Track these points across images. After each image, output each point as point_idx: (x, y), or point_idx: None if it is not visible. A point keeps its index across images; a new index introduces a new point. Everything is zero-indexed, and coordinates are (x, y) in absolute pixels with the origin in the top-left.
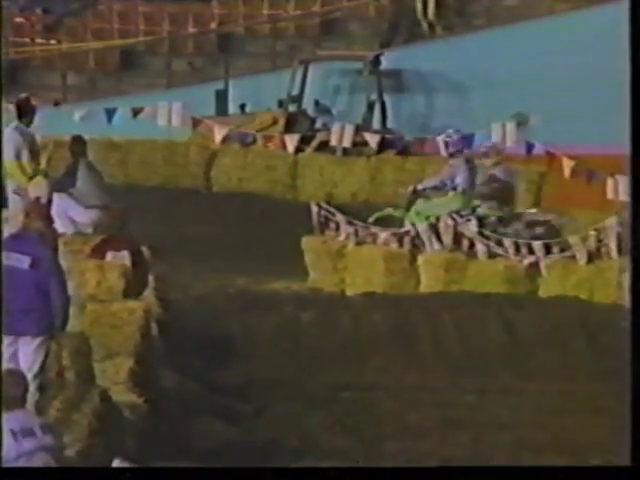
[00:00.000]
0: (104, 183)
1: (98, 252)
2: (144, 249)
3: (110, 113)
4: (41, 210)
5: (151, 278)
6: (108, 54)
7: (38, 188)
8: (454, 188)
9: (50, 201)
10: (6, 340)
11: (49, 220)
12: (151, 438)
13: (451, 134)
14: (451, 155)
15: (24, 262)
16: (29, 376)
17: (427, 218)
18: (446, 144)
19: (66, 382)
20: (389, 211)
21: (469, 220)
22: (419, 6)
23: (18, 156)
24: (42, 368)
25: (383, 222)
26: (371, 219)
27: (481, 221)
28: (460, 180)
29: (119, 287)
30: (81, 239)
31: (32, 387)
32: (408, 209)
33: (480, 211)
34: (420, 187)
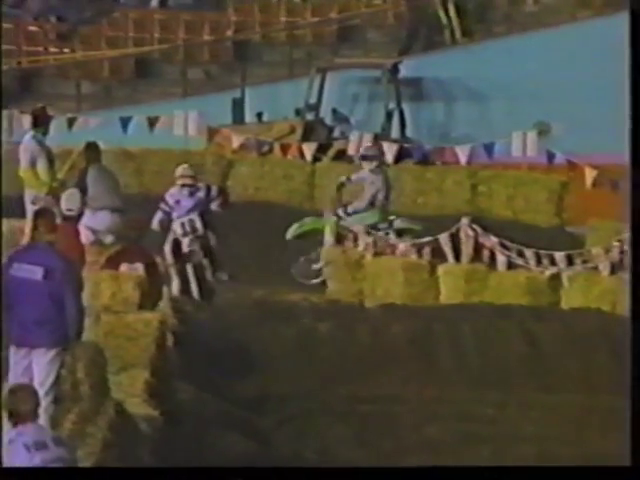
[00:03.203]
0: (116, 185)
1: (112, 263)
2: (159, 261)
3: (125, 122)
4: (49, 222)
5: (165, 290)
6: (123, 62)
7: (71, 201)
8: (372, 203)
9: (81, 214)
10: (20, 352)
11: (55, 230)
12: (167, 451)
13: (368, 146)
14: (363, 158)
15: (37, 273)
16: (44, 389)
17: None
18: (357, 148)
19: (81, 394)
20: (314, 223)
21: (387, 234)
22: (442, 13)
23: (34, 164)
24: (57, 380)
25: (304, 237)
26: (291, 235)
27: (400, 234)
28: (380, 195)
29: (134, 298)
30: (96, 250)
31: (47, 400)
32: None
33: (397, 224)
34: (351, 210)
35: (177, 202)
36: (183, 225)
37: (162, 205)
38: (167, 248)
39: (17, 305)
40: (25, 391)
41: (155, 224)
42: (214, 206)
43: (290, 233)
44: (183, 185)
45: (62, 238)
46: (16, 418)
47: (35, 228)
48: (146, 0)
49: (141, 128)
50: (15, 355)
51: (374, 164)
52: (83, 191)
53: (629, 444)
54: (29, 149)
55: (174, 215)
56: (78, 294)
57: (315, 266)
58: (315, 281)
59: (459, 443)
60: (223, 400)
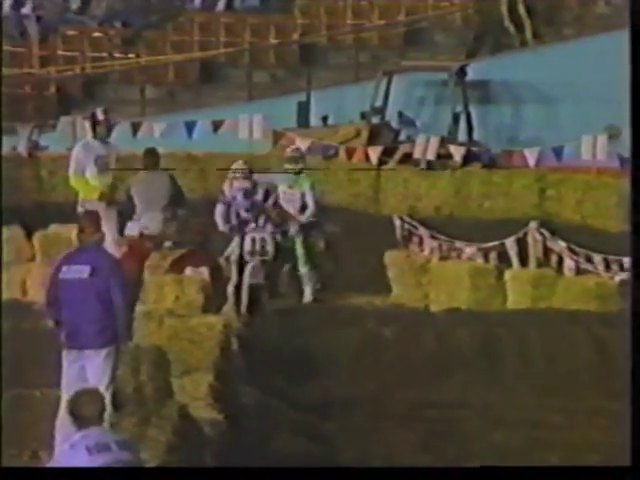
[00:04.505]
0: (164, 194)
1: (177, 267)
2: (223, 264)
3: (190, 126)
4: (94, 222)
5: (230, 293)
6: (188, 67)
7: (151, 222)
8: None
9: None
10: (71, 354)
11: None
12: (231, 455)
13: (293, 147)
14: (288, 161)
15: (84, 271)
16: (101, 390)
17: None
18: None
19: (144, 398)
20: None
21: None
22: (510, 15)
23: (83, 171)
24: (112, 380)
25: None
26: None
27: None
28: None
29: (198, 302)
30: (159, 254)
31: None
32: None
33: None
34: (304, 219)
35: (233, 198)
36: (254, 242)
37: (221, 196)
38: (233, 265)
39: (66, 307)
40: (90, 396)
41: (218, 218)
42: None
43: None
44: (239, 189)
45: (133, 252)
46: (80, 422)
47: (81, 231)
48: (212, 4)
49: (206, 132)
50: (67, 357)
51: (299, 167)
52: (130, 202)
53: (629, 444)
54: (76, 157)
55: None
56: (125, 289)
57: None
58: None
59: (525, 450)
60: (287, 404)
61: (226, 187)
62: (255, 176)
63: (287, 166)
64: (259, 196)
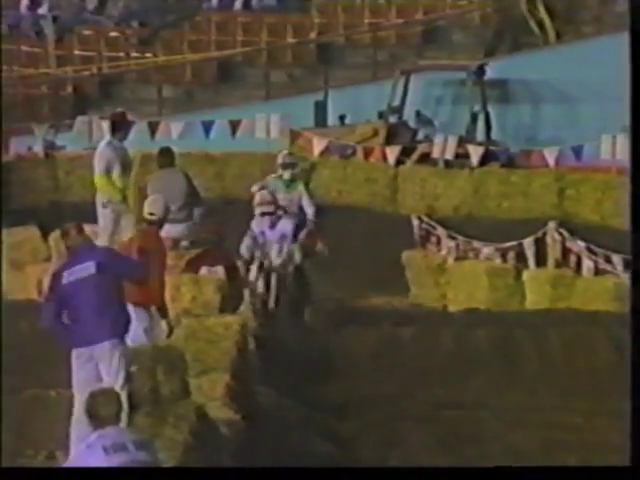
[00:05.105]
0: (179, 194)
1: (193, 266)
2: (239, 264)
3: (207, 126)
4: (77, 226)
5: (246, 293)
6: (205, 66)
7: (155, 206)
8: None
9: (163, 220)
10: (83, 355)
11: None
12: (248, 455)
13: (286, 154)
14: (284, 167)
15: (90, 268)
16: (116, 387)
17: None
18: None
19: (161, 398)
20: None
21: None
22: (530, 14)
23: (109, 171)
24: (127, 378)
25: None
26: None
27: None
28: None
29: (215, 302)
30: (176, 253)
31: (122, 396)
32: None
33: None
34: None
35: (262, 233)
36: (280, 252)
37: (249, 232)
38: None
39: (75, 309)
40: (107, 395)
41: (243, 249)
42: (319, 247)
43: None
44: (263, 214)
45: (144, 240)
46: (96, 422)
47: (68, 239)
48: (229, 3)
49: (223, 131)
50: (79, 358)
51: (297, 171)
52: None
53: (629, 444)
54: (104, 156)
55: (270, 240)
56: (138, 264)
57: None
58: None
59: (544, 451)
60: (304, 404)
61: (254, 223)
62: (263, 182)
63: (280, 172)
64: (287, 228)
